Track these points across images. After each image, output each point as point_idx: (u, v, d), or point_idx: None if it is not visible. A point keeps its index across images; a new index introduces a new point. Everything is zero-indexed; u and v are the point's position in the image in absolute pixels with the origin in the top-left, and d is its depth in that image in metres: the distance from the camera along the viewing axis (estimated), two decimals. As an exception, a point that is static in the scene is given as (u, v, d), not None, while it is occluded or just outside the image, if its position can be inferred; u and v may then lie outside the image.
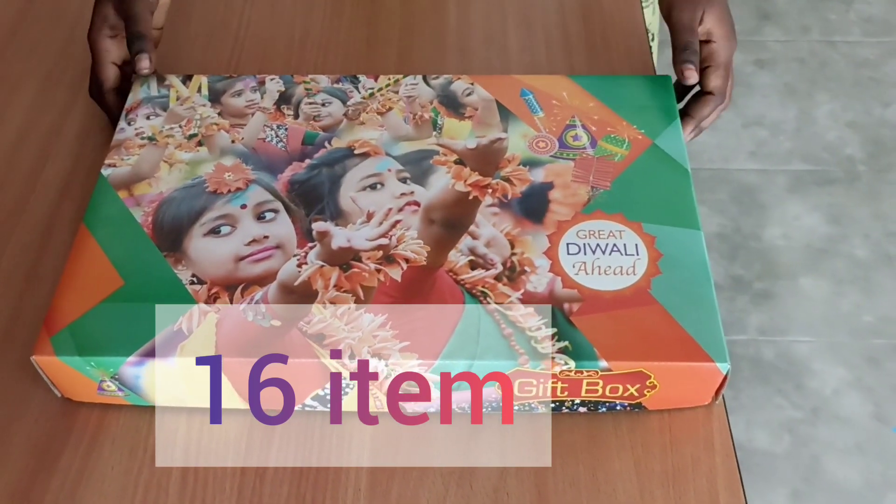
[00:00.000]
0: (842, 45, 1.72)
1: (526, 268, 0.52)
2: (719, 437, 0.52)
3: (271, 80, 0.64)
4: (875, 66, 1.69)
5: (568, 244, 0.53)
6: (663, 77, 0.64)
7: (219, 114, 0.62)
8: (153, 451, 0.51)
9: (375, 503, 0.49)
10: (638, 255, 0.52)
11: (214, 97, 0.63)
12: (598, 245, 0.53)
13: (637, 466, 0.50)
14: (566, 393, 0.49)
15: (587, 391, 0.49)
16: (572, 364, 0.47)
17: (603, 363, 0.47)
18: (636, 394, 0.49)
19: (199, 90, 0.63)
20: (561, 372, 0.48)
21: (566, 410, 0.51)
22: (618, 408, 0.51)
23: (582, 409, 0.51)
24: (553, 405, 0.51)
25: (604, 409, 0.51)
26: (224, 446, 0.51)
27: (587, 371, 0.48)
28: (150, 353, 0.48)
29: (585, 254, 0.52)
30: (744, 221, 1.44)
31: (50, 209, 0.63)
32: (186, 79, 0.64)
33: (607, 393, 0.49)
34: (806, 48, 1.71)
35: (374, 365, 0.48)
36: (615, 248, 0.52)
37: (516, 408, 0.51)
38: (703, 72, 0.63)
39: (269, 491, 0.49)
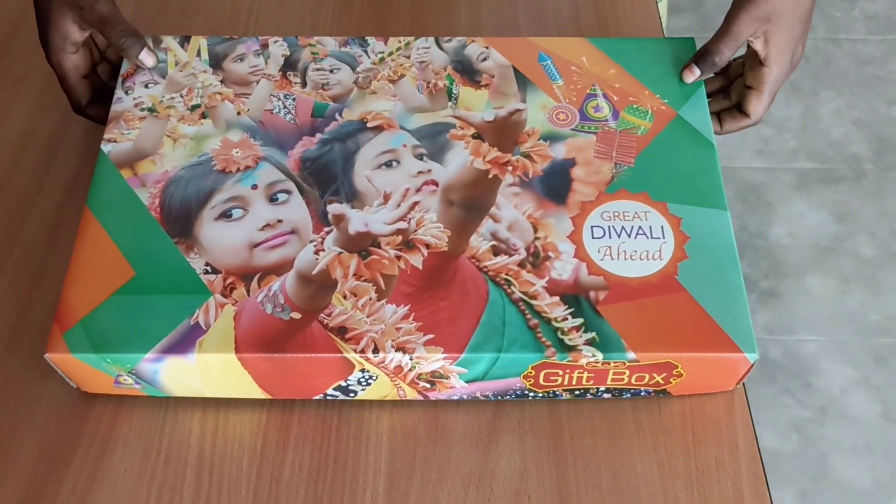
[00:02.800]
0: (846, 43, 1.69)
1: (550, 253, 0.50)
2: (743, 438, 0.51)
3: (275, 42, 0.61)
4: (880, 64, 1.66)
5: (592, 227, 0.51)
6: (687, 40, 0.61)
7: (221, 81, 0.58)
8: (167, 453, 0.50)
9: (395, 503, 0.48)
10: (664, 238, 0.51)
11: (215, 62, 0.59)
12: (623, 228, 0.51)
13: (660, 468, 0.50)
14: (591, 381, 0.49)
15: (613, 380, 0.49)
16: (600, 356, 0.47)
17: (631, 354, 0.47)
18: (661, 382, 0.49)
19: (199, 54, 0.60)
20: (588, 363, 0.47)
21: (590, 397, 0.51)
22: (642, 394, 0.51)
23: (606, 396, 0.51)
24: (577, 392, 0.50)
25: (628, 395, 0.51)
26: (239, 448, 0.50)
27: (614, 362, 0.47)
28: (168, 350, 0.47)
29: (610, 237, 0.51)
30: (749, 220, 1.43)
31: (57, 207, 0.60)
32: (184, 40, 0.61)
33: (633, 381, 0.49)
34: (810, 46, 1.67)
35: (398, 359, 0.47)
36: (641, 231, 0.51)
37: (540, 395, 0.50)
38: (746, 91, 0.59)
39: (285, 494, 0.49)
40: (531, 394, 0.50)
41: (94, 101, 0.60)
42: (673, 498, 0.49)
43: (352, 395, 0.50)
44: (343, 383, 0.49)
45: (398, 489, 0.49)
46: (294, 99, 0.58)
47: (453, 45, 0.61)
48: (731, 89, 0.62)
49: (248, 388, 0.49)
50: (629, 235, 0.51)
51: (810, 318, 1.34)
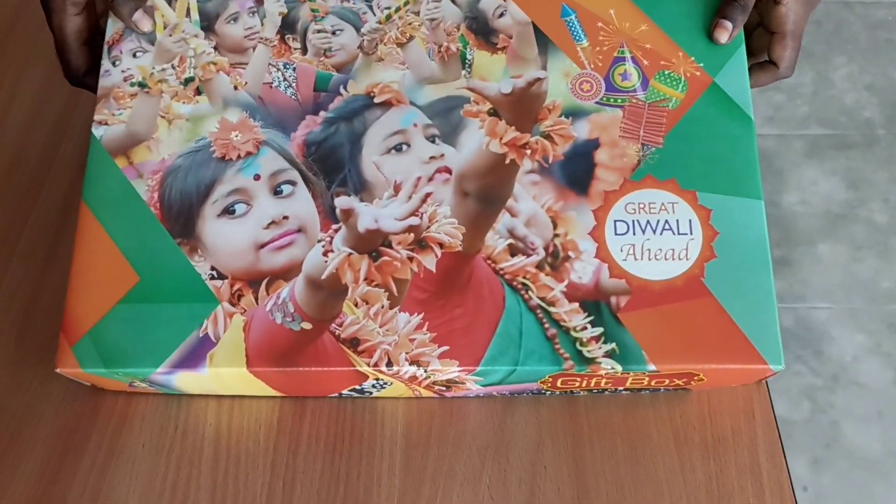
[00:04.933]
0: (858, 7, 1.60)
1: (570, 252, 0.48)
2: (759, 407, 0.51)
3: (271, -2, 0.55)
4: (892, 28, 1.57)
5: (616, 222, 0.48)
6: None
7: (215, 48, 0.54)
8: (184, 427, 0.51)
9: (410, 477, 0.49)
10: (692, 234, 0.48)
11: (207, 23, 0.54)
12: (648, 223, 0.48)
13: (676, 438, 0.50)
14: (609, 384, 0.48)
15: (631, 383, 0.48)
16: (619, 368, 0.46)
17: (651, 367, 0.46)
18: (681, 384, 0.48)
19: (188, 13, 0.55)
20: (606, 374, 0.46)
21: (608, 394, 0.50)
22: (661, 391, 0.50)
23: (625, 393, 0.50)
24: (595, 391, 0.50)
25: (646, 392, 0.50)
26: (255, 422, 0.51)
27: (634, 373, 0.46)
28: (179, 365, 0.46)
29: (635, 234, 0.48)
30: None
31: (66, 188, 0.59)
32: (172, -3, 0.55)
33: (651, 384, 0.48)
34: (821, 10, 1.56)
35: (413, 371, 0.46)
36: (667, 226, 0.48)
37: (556, 394, 0.50)
38: (772, 38, 0.53)
39: (302, 466, 0.49)
40: (548, 392, 0.50)
41: (94, 69, 0.55)
42: (689, 467, 0.49)
43: (367, 395, 0.50)
44: (358, 387, 0.48)
45: (415, 461, 0.49)
46: (295, 69, 0.53)
47: (467, -3, 0.55)
48: (752, 40, 0.56)
49: (263, 390, 0.49)
50: (654, 231, 0.48)
51: (822, 285, 1.33)
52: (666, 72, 0.52)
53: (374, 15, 0.55)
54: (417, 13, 0.54)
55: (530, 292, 0.47)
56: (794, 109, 1.49)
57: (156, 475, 0.49)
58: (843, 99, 1.50)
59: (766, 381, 0.52)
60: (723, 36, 0.52)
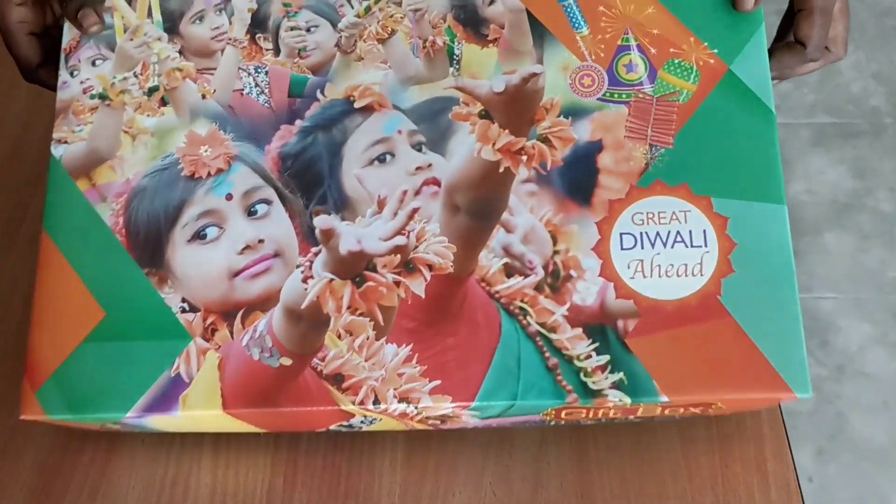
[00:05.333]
0: None
1: (572, 271, 0.43)
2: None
3: (239, -8, 0.50)
4: None
5: (622, 235, 0.44)
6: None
7: (180, 52, 0.49)
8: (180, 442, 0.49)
9: (413, 472, 0.48)
10: (706, 246, 0.43)
11: (171, 24, 0.50)
12: (657, 235, 0.44)
13: (681, 432, 0.48)
14: (618, 415, 0.44)
15: (643, 413, 0.44)
16: (628, 400, 0.42)
17: (663, 398, 0.41)
18: (698, 413, 0.44)
19: (150, 13, 0.50)
20: (614, 405, 0.42)
21: (618, 422, 0.46)
22: (676, 417, 0.46)
23: (635, 421, 0.46)
24: (602, 421, 0.46)
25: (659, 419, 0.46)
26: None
27: (644, 405, 0.42)
28: (149, 409, 0.42)
29: (643, 247, 0.43)
30: None
31: None
32: (132, -3, 0.50)
33: (665, 413, 0.44)
34: None
35: (402, 409, 0.42)
36: (679, 238, 0.43)
37: (563, 423, 0.46)
38: (797, 15, 0.48)
39: (303, 461, 0.48)
40: (553, 423, 0.46)
41: (48, 62, 0.51)
42: (694, 462, 0.48)
43: (356, 429, 0.46)
44: (346, 423, 0.45)
45: (417, 454, 0.49)
46: (267, 73, 0.49)
47: (454, -18, 0.50)
48: (781, 26, 0.50)
49: (243, 427, 0.46)
50: (665, 244, 0.43)
51: (828, 275, 1.30)
52: (676, 60, 0.47)
53: (353, 7, 0.50)
54: (399, 3, 0.49)
55: (529, 317, 0.43)
56: (801, 98, 1.46)
57: (157, 464, 0.49)
58: (849, 87, 1.47)
59: None
60: (747, 3, 0.47)
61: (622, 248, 0.43)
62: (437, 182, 0.45)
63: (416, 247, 0.44)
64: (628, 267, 0.43)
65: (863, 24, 1.54)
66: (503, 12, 0.49)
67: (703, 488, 0.47)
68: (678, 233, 0.44)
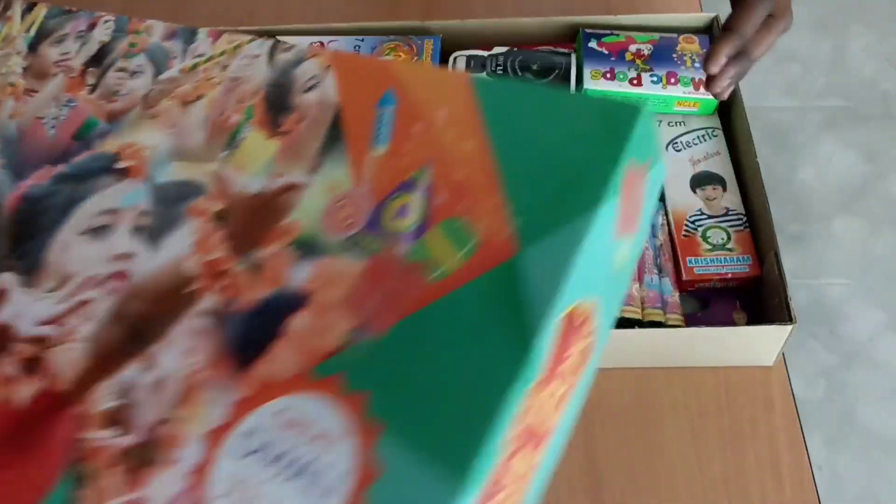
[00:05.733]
0: None
1: (172, 449, 0.31)
2: (779, 395, 0.49)
3: (105, 22, 0.46)
4: None
5: (232, 445, 0.30)
6: (628, 107, 0.32)
7: (24, 69, 0.46)
8: None
9: None
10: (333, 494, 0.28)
11: (37, 41, 0.47)
12: (282, 456, 0.29)
13: (692, 428, 0.48)
14: None
15: None
16: None
17: None
18: None
19: (31, 28, 0.48)
20: None
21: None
22: None
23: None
24: None
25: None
26: None
27: None
28: None
29: (255, 466, 0.30)
30: (776, 161, 1.37)
31: None
32: (31, 7, 0.49)
33: None
34: None
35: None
36: (304, 470, 0.29)
37: None
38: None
39: None
40: None
41: None
42: (706, 458, 0.47)
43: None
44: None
45: None
46: (74, 107, 0.44)
47: (289, 57, 0.40)
48: None
49: None
50: (280, 474, 0.29)
51: (838, 261, 1.28)
52: (458, 220, 0.32)
53: (184, 61, 0.43)
54: (227, 67, 0.41)
55: (85, 488, 0.31)
56: (812, 81, 1.45)
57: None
58: (861, 70, 1.46)
59: (785, 364, 0.51)
60: (714, 65, 0.52)
61: (230, 456, 0.30)
62: (125, 278, 0.36)
63: (56, 346, 0.35)
64: (222, 486, 0.30)
65: (874, 7, 1.50)
66: (314, 103, 0.38)
67: (715, 485, 0.46)
68: (307, 463, 0.29)
